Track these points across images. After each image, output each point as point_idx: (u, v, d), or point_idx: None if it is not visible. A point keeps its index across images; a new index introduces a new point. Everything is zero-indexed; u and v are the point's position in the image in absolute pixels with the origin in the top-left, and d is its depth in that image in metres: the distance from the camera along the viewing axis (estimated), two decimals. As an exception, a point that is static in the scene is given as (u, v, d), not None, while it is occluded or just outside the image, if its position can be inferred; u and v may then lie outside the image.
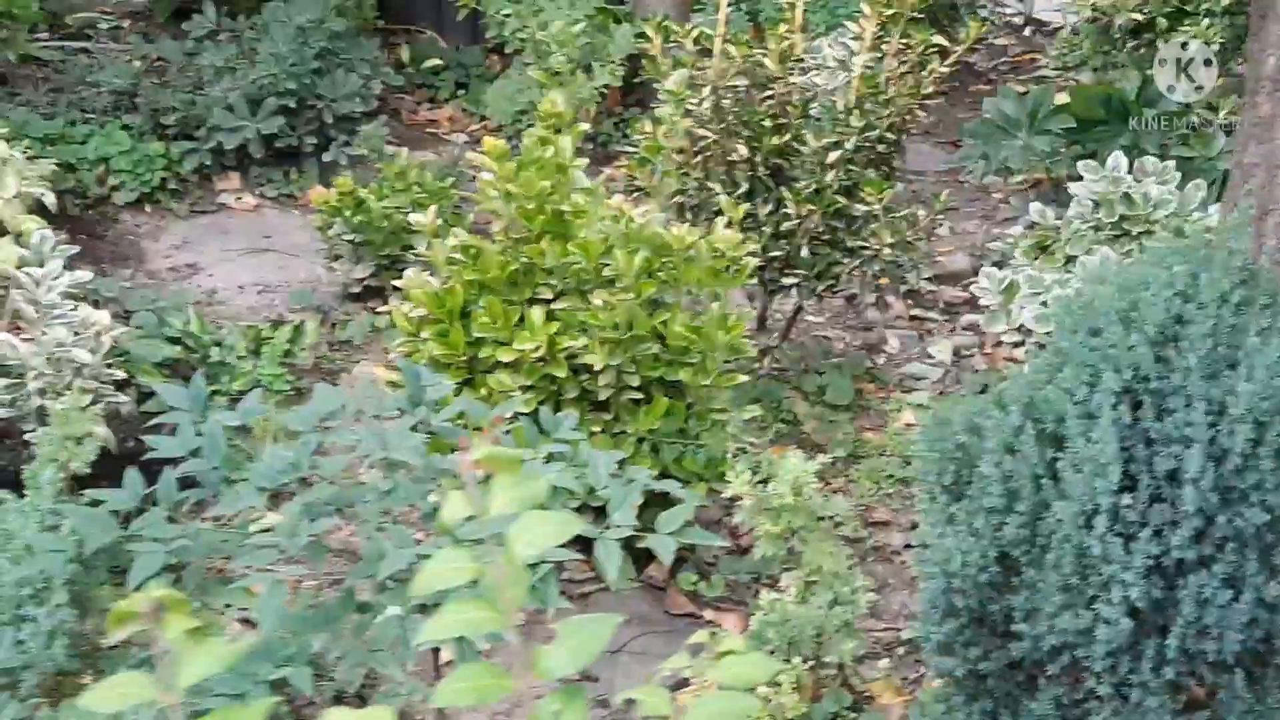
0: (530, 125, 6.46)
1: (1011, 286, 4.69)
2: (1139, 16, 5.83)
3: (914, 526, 4.35)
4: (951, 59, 4.60)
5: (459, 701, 1.22)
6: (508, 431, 3.18)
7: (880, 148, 4.61)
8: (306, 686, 2.67)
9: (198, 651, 1.14)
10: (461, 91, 7.26)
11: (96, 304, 4.65)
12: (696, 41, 4.57)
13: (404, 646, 2.59)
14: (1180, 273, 2.68)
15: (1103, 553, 2.59)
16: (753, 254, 4.02)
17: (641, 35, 4.73)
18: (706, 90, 4.55)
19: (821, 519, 3.59)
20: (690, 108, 4.49)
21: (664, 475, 3.45)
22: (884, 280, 4.75)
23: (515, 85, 6.77)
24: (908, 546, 4.29)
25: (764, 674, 1.41)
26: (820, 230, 4.63)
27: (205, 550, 2.71)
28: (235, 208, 6.20)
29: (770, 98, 4.61)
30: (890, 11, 4.49)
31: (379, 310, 5.36)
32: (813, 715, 3.51)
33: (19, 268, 4.35)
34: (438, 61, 7.37)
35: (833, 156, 4.51)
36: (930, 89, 4.60)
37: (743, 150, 4.60)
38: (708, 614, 3.97)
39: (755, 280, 4.60)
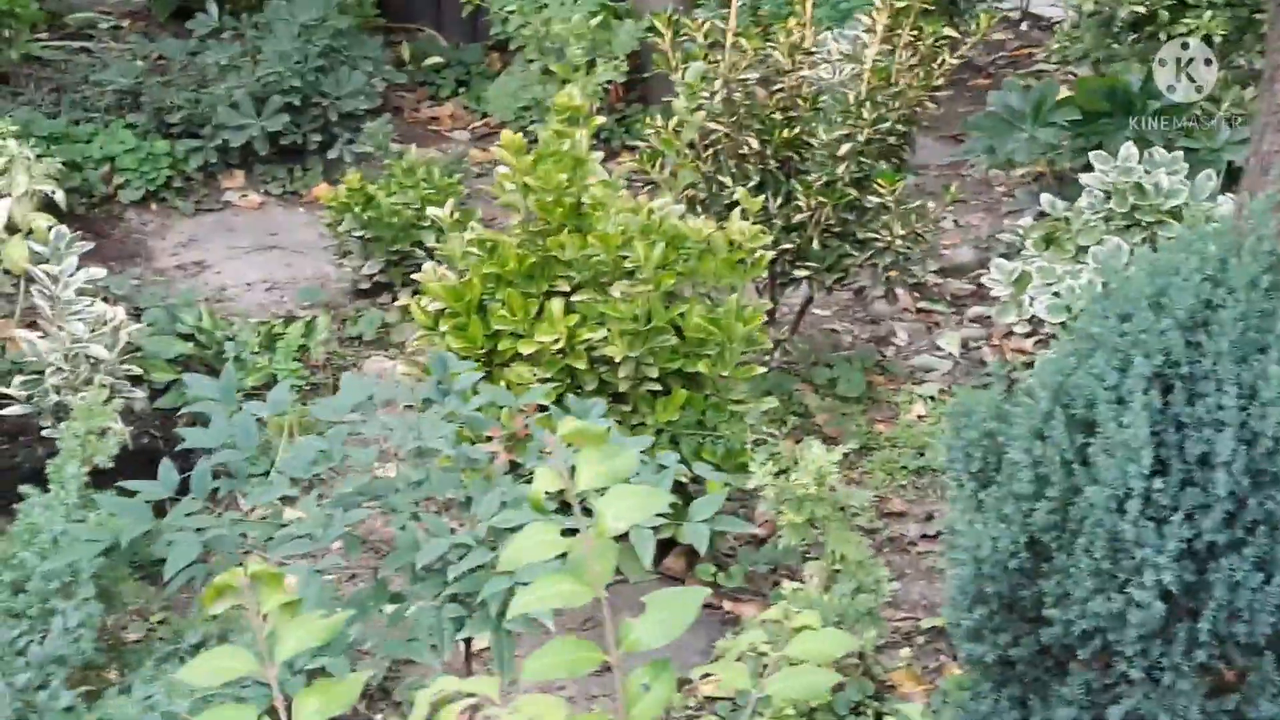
0: (533, 122, 6.49)
1: (1023, 278, 4.70)
2: (1141, 9, 5.83)
3: (929, 517, 4.37)
4: (963, 50, 4.61)
5: (550, 675, 1.23)
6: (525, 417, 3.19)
7: (891, 140, 4.62)
8: (344, 675, 2.67)
9: (294, 625, 1.15)
10: (462, 89, 7.27)
11: (108, 301, 4.64)
12: (707, 35, 4.58)
13: (439, 636, 2.60)
14: (1210, 258, 2.69)
15: (1135, 537, 2.60)
16: (765, 246, 4.03)
17: (651, 29, 4.73)
18: (718, 83, 4.56)
19: (841, 509, 3.61)
20: (702, 101, 4.49)
21: (683, 465, 3.45)
22: (893, 273, 4.76)
23: (517, 82, 6.78)
24: (924, 537, 4.30)
25: (840, 649, 1.42)
26: (831, 222, 4.64)
27: (237, 542, 2.72)
28: (241, 205, 6.20)
29: (780, 91, 4.62)
30: (902, 4, 4.51)
31: (389, 306, 5.36)
32: (835, 704, 3.52)
33: (34, 264, 4.35)
34: (439, 59, 7.38)
35: (845, 149, 4.52)
36: (940, 81, 4.61)
37: (753, 143, 4.61)
38: (727, 605, 3.98)
39: (765, 273, 4.60)
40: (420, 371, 3.84)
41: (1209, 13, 5.65)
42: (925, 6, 4.56)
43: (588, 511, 1.25)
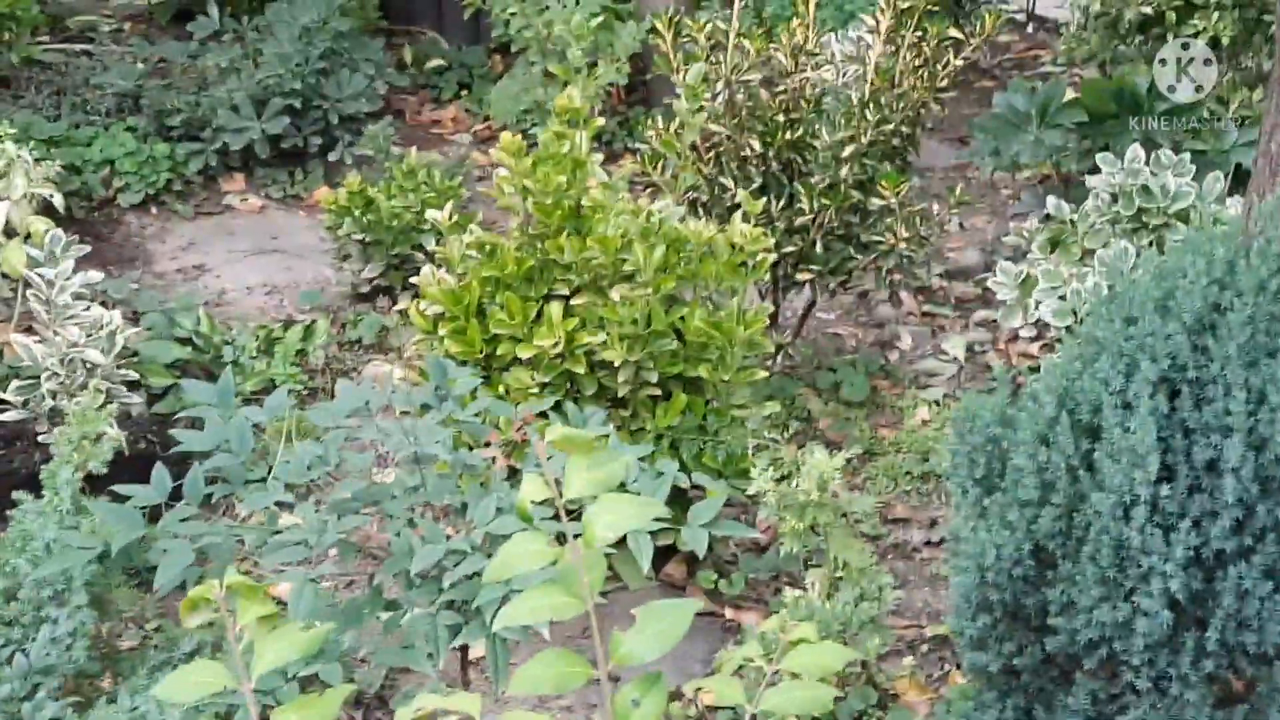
0: (535, 125, 6.46)
1: (1028, 281, 4.66)
2: (1148, 10, 5.79)
3: (933, 524, 4.33)
4: (968, 51, 4.57)
5: (536, 689, 1.19)
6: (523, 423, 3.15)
7: (895, 141, 4.58)
8: (337, 682, 2.64)
9: (273, 639, 1.11)
10: (464, 92, 7.24)
11: (105, 305, 4.61)
12: (709, 37, 4.54)
13: (434, 643, 2.56)
14: (1218, 261, 2.65)
15: (1142, 544, 2.56)
16: (767, 249, 3.98)
17: (653, 31, 4.69)
18: (720, 85, 4.52)
19: (844, 515, 3.57)
20: (704, 103, 4.45)
21: (683, 472, 3.41)
22: (897, 276, 4.72)
23: (519, 85, 6.74)
24: (927, 543, 4.26)
25: (839, 662, 1.38)
26: (835, 225, 4.60)
27: (232, 548, 2.68)
28: (241, 209, 6.16)
29: (783, 92, 4.58)
30: (906, 4, 4.47)
31: (389, 310, 5.33)
32: (838, 713, 3.48)
33: (30, 268, 4.32)
34: (440, 62, 7.35)
35: (848, 150, 4.48)
36: (945, 82, 4.57)
37: (756, 145, 4.57)
38: (728, 612, 3.94)
39: (768, 277, 4.57)
40: (419, 376, 3.81)
41: (1216, 14, 5.61)
42: (930, 8, 4.52)
43: (572, 517, 1.21)
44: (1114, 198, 4.70)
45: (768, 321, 3.95)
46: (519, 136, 3.86)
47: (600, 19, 6.26)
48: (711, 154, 4.61)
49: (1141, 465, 2.56)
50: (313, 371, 4.90)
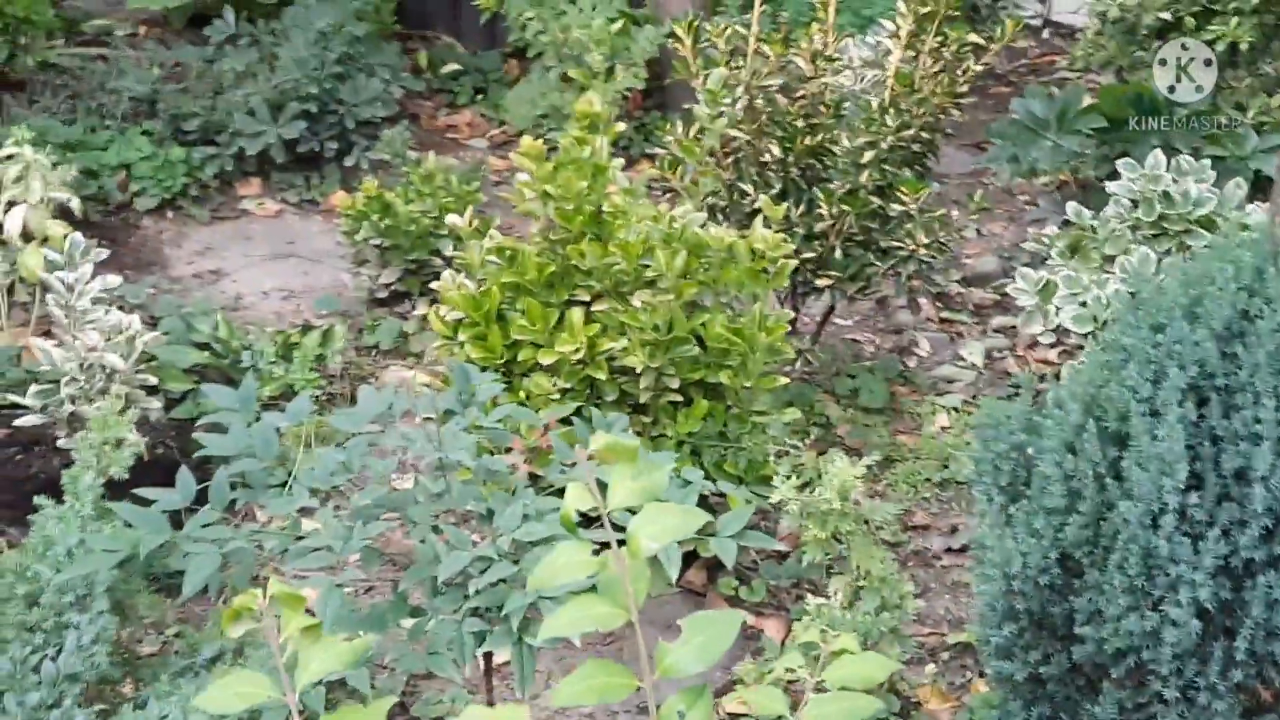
0: (551, 130, 6.45)
1: (1048, 287, 4.64)
2: (1166, 15, 5.77)
3: (954, 530, 4.31)
4: (988, 55, 4.56)
5: (582, 701, 1.17)
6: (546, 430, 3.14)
7: (915, 147, 4.57)
8: (364, 687, 2.63)
9: (317, 649, 1.10)
10: (480, 96, 7.23)
11: (123, 309, 4.60)
12: (728, 42, 4.53)
13: (459, 650, 2.55)
14: (1246, 267, 2.63)
15: (1170, 553, 2.54)
16: (787, 255, 3.97)
17: (671, 35, 4.68)
18: (740, 90, 4.51)
19: (865, 523, 3.55)
20: (724, 108, 4.44)
21: (705, 479, 3.40)
22: (916, 282, 4.70)
23: (536, 89, 6.74)
24: (948, 550, 4.24)
25: (883, 673, 1.37)
26: (854, 231, 4.58)
27: (253, 554, 2.67)
28: (257, 213, 6.16)
29: (802, 98, 4.57)
30: (926, 9, 4.46)
31: (407, 315, 5.32)
32: None
33: (50, 272, 4.32)
34: (456, 66, 7.34)
35: (868, 156, 4.47)
36: (965, 87, 4.55)
37: (775, 150, 4.56)
38: (749, 619, 3.92)
39: (787, 282, 4.55)
40: (440, 382, 3.80)
41: (1235, 19, 5.59)
42: (950, 13, 4.51)
43: (616, 527, 1.20)
44: (1134, 204, 4.69)
45: (789, 327, 3.94)
46: (539, 141, 3.85)
47: (618, 24, 6.25)
48: (731, 159, 4.60)
49: (1170, 473, 2.54)
50: (330, 377, 4.89)
